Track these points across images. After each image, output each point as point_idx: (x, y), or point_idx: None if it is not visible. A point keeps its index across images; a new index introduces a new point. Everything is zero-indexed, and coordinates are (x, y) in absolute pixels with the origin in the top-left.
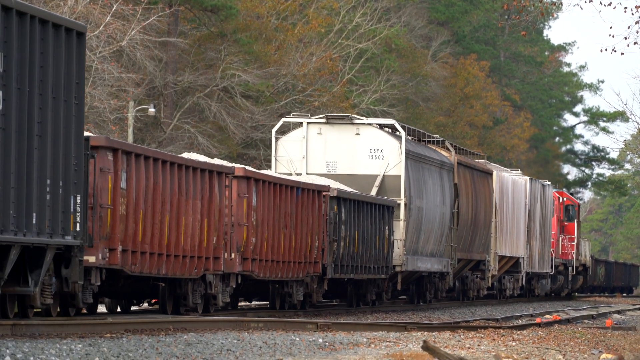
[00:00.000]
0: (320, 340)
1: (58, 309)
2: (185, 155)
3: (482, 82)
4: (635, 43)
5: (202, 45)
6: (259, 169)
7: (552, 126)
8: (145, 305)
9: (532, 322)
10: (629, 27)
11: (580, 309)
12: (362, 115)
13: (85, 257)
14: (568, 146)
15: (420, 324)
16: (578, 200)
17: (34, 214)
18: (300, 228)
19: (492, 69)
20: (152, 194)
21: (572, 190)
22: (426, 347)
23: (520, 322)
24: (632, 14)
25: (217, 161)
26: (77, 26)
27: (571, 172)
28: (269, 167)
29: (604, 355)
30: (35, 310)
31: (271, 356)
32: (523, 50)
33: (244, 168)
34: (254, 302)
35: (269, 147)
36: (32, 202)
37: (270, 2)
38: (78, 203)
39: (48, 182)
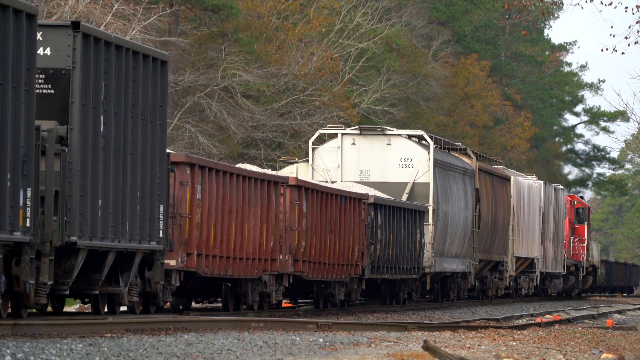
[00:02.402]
0: (321, 340)
1: (141, 307)
2: (240, 166)
3: (482, 81)
4: (635, 42)
5: (202, 45)
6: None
7: (552, 126)
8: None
9: (533, 322)
10: (629, 27)
11: (581, 309)
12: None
13: (166, 261)
14: (569, 146)
15: (421, 323)
16: (587, 204)
17: (127, 223)
18: (343, 233)
19: (493, 68)
20: (222, 203)
21: (573, 190)
22: (427, 347)
23: (520, 322)
24: (633, 13)
25: (268, 171)
26: (162, 55)
27: (572, 171)
28: (270, 166)
29: (604, 355)
30: (121, 308)
31: (272, 356)
32: (524, 50)
33: (296, 178)
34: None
35: (269, 146)
36: (126, 212)
37: (271, 1)
38: (161, 212)
39: (138, 194)
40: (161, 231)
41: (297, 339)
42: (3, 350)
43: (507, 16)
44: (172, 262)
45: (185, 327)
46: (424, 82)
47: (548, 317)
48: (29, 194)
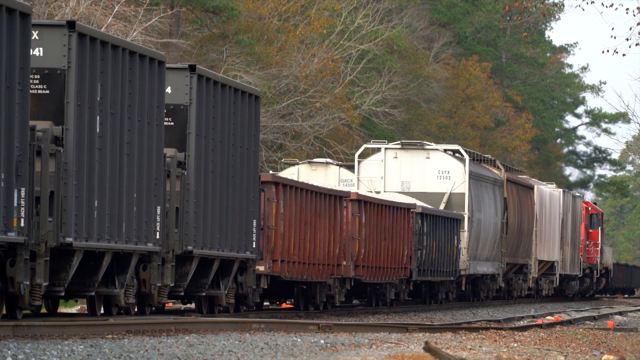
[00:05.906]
0: (322, 341)
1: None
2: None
3: (483, 83)
4: (637, 44)
5: (204, 47)
6: (260, 171)
7: (554, 127)
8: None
9: (534, 323)
10: (630, 29)
11: (582, 310)
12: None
13: (256, 267)
14: (570, 147)
15: (422, 325)
16: (601, 210)
17: (229, 235)
18: (394, 239)
19: (494, 70)
20: (299, 215)
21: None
22: (428, 348)
23: (521, 323)
24: (634, 15)
25: (334, 187)
26: (255, 91)
27: (573, 173)
28: (271, 168)
29: (605, 357)
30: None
31: (273, 357)
32: (525, 52)
33: (357, 192)
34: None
35: (271, 148)
36: (229, 226)
37: (272, 3)
38: (254, 226)
39: (238, 210)
40: (254, 242)
41: (299, 340)
42: (4, 351)
43: (508, 18)
44: (261, 268)
45: (186, 329)
46: (425, 83)
47: (549, 319)
48: (22, 194)
